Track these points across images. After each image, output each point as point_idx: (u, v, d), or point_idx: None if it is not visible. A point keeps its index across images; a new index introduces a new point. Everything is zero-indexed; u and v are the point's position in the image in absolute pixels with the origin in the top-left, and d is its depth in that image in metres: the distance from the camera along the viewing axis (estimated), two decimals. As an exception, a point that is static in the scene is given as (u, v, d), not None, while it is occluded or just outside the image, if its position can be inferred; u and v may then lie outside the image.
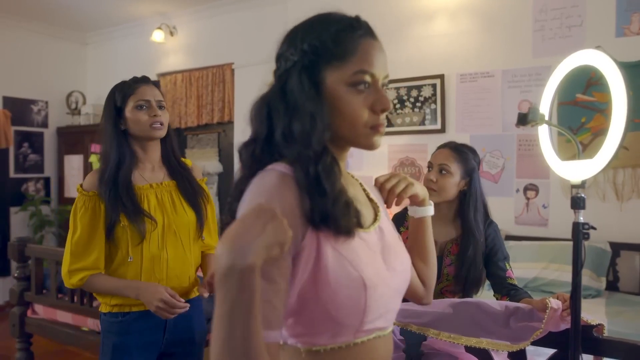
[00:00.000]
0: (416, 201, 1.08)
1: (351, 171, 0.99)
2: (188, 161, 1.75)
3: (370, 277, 0.78)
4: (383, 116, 0.84)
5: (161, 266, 1.58)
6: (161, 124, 1.61)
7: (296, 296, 0.77)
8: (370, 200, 0.97)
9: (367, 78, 0.81)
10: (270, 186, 0.77)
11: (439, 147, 1.87)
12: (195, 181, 1.71)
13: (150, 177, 1.63)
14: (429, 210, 1.10)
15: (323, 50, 0.81)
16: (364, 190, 0.98)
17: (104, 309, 1.60)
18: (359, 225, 0.81)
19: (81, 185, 1.58)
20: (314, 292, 0.76)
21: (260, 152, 0.83)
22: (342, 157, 0.90)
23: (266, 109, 0.82)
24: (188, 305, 1.53)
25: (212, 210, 1.77)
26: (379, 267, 0.83)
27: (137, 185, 1.59)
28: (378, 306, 0.80)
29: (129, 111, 1.59)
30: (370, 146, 0.84)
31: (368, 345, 0.82)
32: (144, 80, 1.65)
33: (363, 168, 3.90)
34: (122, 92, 1.60)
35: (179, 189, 1.65)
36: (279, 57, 0.85)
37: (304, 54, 0.81)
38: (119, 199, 1.52)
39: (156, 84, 1.68)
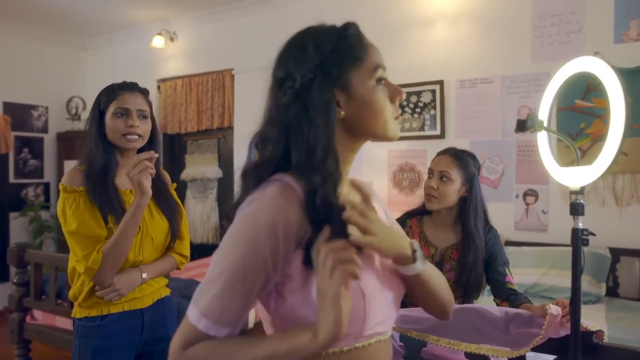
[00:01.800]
0: (397, 261, 0.87)
1: (350, 177, 0.99)
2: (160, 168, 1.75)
3: (369, 285, 0.79)
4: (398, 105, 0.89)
5: (135, 265, 1.60)
6: (138, 135, 1.60)
7: (294, 307, 0.77)
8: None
9: (384, 72, 0.86)
10: (271, 197, 0.77)
11: (439, 154, 1.87)
12: (166, 188, 1.72)
13: (127, 182, 1.63)
14: (413, 268, 0.86)
15: (343, 56, 0.82)
16: None
17: (78, 314, 1.59)
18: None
19: (63, 184, 1.54)
20: (312, 304, 0.76)
21: (268, 176, 0.82)
22: (351, 159, 0.91)
23: (284, 131, 0.81)
24: (153, 152, 1.53)
25: (184, 219, 1.78)
26: (377, 275, 0.84)
27: (120, 190, 1.60)
28: (377, 313, 0.81)
29: (108, 117, 1.59)
30: (395, 136, 0.88)
31: (369, 349, 0.83)
32: (130, 87, 1.63)
33: (363, 173, 3.90)
34: (106, 97, 1.60)
35: (152, 196, 1.64)
36: (286, 80, 0.82)
37: (323, 64, 0.81)
38: (109, 201, 1.53)
39: (143, 91, 1.67)
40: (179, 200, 1.78)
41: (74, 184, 1.54)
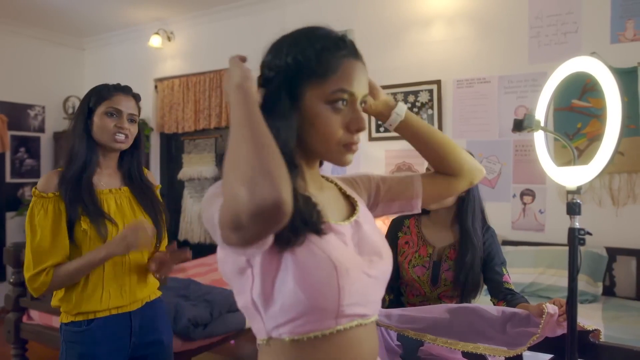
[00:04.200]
0: (381, 117, 1.05)
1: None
2: (144, 169, 1.76)
3: (339, 258, 0.79)
4: (358, 135, 0.87)
5: (123, 270, 1.58)
6: (126, 136, 1.61)
7: (270, 283, 0.78)
8: (347, 196, 0.99)
9: (346, 96, 0.84)
10: None
11: (436, 153, 1.87)
12: (150, 189, 1.72)
13: (107, 182, 1.63)
14: (397, 116, 1.03)
15: (305, 66, 0.83)
16: (340, 189, 1.01)
17: (65, 319, 1.56)
18: (319, 224, 0.81)
19: (36, 188, 1.52)
20: (285, 277, 0.77)
21: None
22: (314, 164, 0.92)
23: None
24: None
25: (164, 221, 1.77)
26: (352, 254, 0.84)
27: (97, 189, 1.58)
28: (354, 290, 0.80)
29: (97, 115, 1.58)
30: (340, 163, 0.87)
31: (350, 334, 0.82)
32: (124, 89, 1.65)
33: (360, 173, 3.90)
34: (97, 95, 1.60)
35: (134, 195, 1.66)
36: (263, 66, 0.86)
37: (287, 66, 0.83)
38: (81, 199, 1.50)
39: (136, 96, 1.68)
40: (162, 202, 1.77)
41: (46, 189, 1.51)
